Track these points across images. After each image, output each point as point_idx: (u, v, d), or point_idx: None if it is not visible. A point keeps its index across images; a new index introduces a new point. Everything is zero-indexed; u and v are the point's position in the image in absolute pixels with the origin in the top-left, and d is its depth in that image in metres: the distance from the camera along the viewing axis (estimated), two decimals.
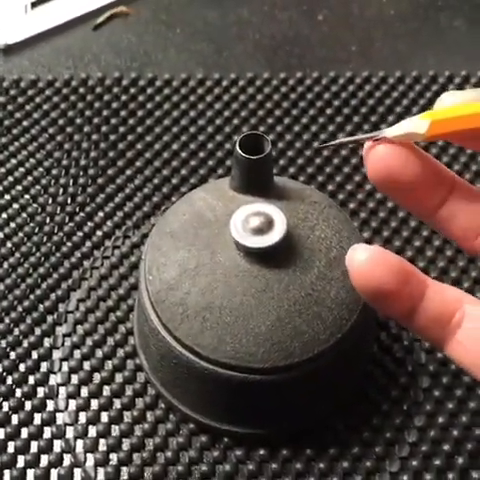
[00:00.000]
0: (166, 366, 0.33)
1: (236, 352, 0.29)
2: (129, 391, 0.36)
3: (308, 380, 0.32)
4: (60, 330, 0.38)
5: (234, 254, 0.30)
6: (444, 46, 0.50)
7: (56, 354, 0.37)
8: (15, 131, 0.45)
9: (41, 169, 0.43)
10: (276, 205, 0.31)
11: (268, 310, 0.29)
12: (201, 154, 0.44)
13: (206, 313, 0.29)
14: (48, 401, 0.36)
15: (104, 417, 0.35)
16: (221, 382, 0.30)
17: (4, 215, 0.41)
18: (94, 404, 0.35)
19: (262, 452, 0.34)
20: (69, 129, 0.45)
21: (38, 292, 0.39)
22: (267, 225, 0.30)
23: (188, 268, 0.30)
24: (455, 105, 0.22)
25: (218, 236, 0.31)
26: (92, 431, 0.35)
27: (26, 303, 0.38)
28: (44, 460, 0.34)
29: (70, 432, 0.35)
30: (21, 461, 0.34)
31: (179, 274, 0.31)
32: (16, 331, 0.37)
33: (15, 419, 0.35)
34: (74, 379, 0.36)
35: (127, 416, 0.35)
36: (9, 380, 0.36)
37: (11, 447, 0.34)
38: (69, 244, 0.40)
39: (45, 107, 0.46)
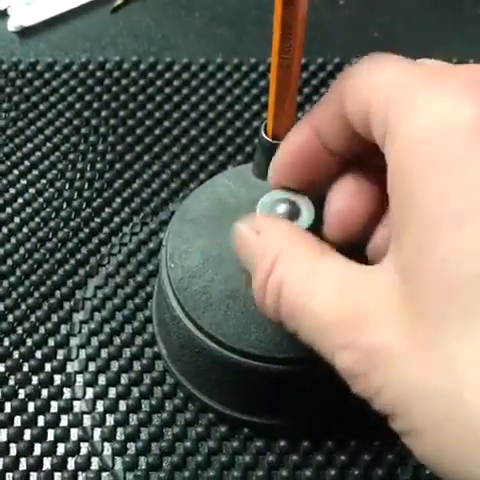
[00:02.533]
0: (187, 355, 0.32)
1: (260, 342, 0.29)
2: (147, 380, 0.35)
3: (331, 371, 0.31)
4: (77, 317, 0.37)
5: None
6: (467, 34, 0.49)
7: (73, 341, 0.36)
8: (31, 115, 0.44)
9: (58, 153, 0.42)
10: (301, 192, 0.30)
11: None
12: (220, 140, 0.43)
13: (230, 301, 0.29)
14: (65, 389, 0.35)
15: (122, 406, 0.35)
16: (244, 372, 0.30)
17: (20, 200, 0.41)
18: (112, 392, 0.35)
19: (282, 443, 0.34)
20: (86, 113, 0.44)
21: (55, 278, 0.38)
22: (293, 212, 0.29)
23: (211, 256, 0.30)
24: None
25: None
26: (110, 420, 0.34)
27: (43, 289, 0.38)
28: (61, 448, 0.34)
29: (87, 420, 0.34)
30: (38, 449, 0.33)
31: (202, 262, 0.30)
32: (33, 317, 0.37)
33: (31, 407, 0.34)
34: (91, 367, 0.36)
35: (145, 405, 0.35)
36: (25, 367, 0.35)
37: (27, 435, 0.34)
38: (86, 230, 0.40)
39: (62, 91, 0.45)
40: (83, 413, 0.34)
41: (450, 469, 0.17)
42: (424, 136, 0.19)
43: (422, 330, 0.18)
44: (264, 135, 0.31)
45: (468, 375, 0.17)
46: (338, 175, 0.25)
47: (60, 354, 0.36)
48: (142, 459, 0.33)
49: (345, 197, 0.24)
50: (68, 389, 0.35)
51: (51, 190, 0.41)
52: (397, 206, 0.19)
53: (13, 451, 0.33)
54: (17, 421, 0.34)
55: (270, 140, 0.31)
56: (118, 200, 0.41)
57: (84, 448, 0.34)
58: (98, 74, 0.46)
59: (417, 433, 0.18)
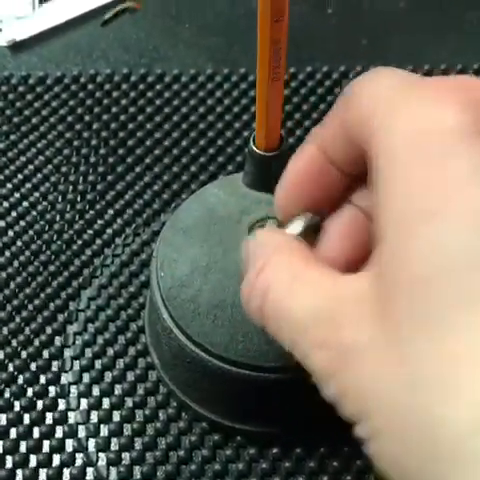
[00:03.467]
0: (178, 364, 0.33)
1: (248, 350, 0.29)
2: (141, 390, 0.36)
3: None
4: (71, 328, 0.37)
5: None
6: (456, 39, 0.50)
7: (67, 353, 0.37)
8: (24, 128, 0.45)
9: (50, 166, 0.43)
10: None
11: None
12: (211, 150, 0.44)
13: (218, 311, 0.29)
14: (60, 400, 0.35)
15: (116, 416, 0.35)
16: (233, 381, 0.30)
17: (14, 213, 0.41)
18: (106, 403, 0.35)
19: (275, 451, 0.34)
20: (78, 126, 0.45)
21: (48, 290, 0.38)
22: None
23: (200, 265, 0.30)
24: None
25: (231, 233, 0.31)
26: (104, 430, 0.35)
27: (37, 302, 0.38)
28: (56, 460, 0.34)
29: (82, 431, 0.35)
30: (33, 461, 0.34)
31: (191, 271, 0.30)
32: (27, 330, 0.37)
33: (27, 418, 0.35)
34: (85, 378, 0.36)
35: (139, 415, 0.35)
36: (20, 379, 0.36)
37: (23, 447, 0.34)
38: (79, 242, 0.40)
39: (54, 104, 0.46)
40: (78, 424, 0.35)
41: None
42: (402, 140, 0.19)
43: (390, 330, 0.18)
44: (253, 146, 0.31)
45: (426, 377, 0.17)
46: (346, 193, 0.25)
47: (54, 366, 0.36)
48: (137, 469, 0.34)
49: (340, 234, 0.24)
50: (63, 400, 0.35)
51: (44, 203, 0.41)
52: (376, 212, 0.20)
53: (9, 463, 0.34)
54: (13, 433, 0.34)
55: (258, 151, 0.31)
56: (110, 212, 0.41)
57: (79, 459, 0.34)
58: (89, 87, 0.46)
59: (377, 437, 0.18)
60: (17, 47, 0.49)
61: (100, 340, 0.37)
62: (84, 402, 0.35)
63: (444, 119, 0.19)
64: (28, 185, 0.42)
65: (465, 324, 0.17)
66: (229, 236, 0.31)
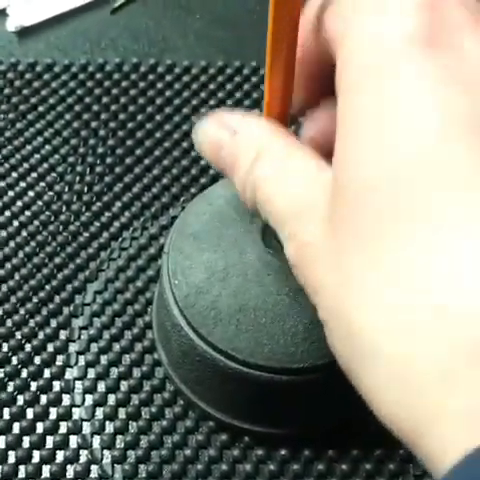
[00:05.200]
0: (188, 363, 0.32)
1: (274, 353, 0.28)
2: (147, 387, 0.35)
3: (335, 380, 0.31)
4: (77, 322, 0.37)
5: (264, 252, 0.29)
6: None
7: (72, 347, 0.36)
8: (30, 116, 0.44)
9: (57, 156, 0.42)
10: None
11: (304, 308, 0.28)
12: None
13: (240, 315, 0.28)
14: (64, 395, 0.35)
15: (122, 413, 0.34)
16: (251, 383, 0.29)
17: (19, 203, 0.40)
18: (111, 399, 0.35)
19: (283, 452, 0.33)
20: (86, 116, 0.44)
21: (54, 283, 0.38)
22: None
23: (217, 270, 0.29)
24: None
25: (244, 234, 0.30)
26: (109, 427, 0.34)
27: (42, 294, 0.37)
28: (60, 456, 0.33)
29: (87, 428, 0.34)
30: (36, 456, 0.33)
31: (207, 277, 0.29)
32: (32, 323, 0.36)
33: (30, 413, 0.34)
34: (91, 373, 0.35)
35: (145, 412, 0.34)
36: (24, 373, 0.35)
37: (26, 442, 0.33)
38: (86, 234, 0.39)
39: (61, 92, 0.45)
40: (82, 420, 0.34)
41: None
42: (359, 46, 0.19)
43: (333, 237, 0.19)
44: None
45: (352, 285, 0.18)
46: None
47: (59, 360, 0.36)
48: (142, 467, 0.33)
49: (319, 127, 0.25)
50: (67, 396, 0.35)
51: (50, 193, 0.41)
52: (338, 120, 0.20)
53: (12, 458, 0.33)
54: (16, 428, 0.34)
55: None
56: (118, 204, 0.40)
57: (83, 456, 0.33)
58: (98, 76, 0.45)
59: (325, 327, 0.20)
60: (24, 33, 0.48)
61: (106, 335, 0.36)
62: (89, 398, 0.35)
63: (394, 26, 0.19)
64: (34, 174, 0.41)
65: (394, 238, 0.18)
66: (243, 238, 0.30)
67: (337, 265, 0.19)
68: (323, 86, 0.24)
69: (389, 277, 0.18)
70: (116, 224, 0.40)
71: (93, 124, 0.43)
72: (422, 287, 0.17)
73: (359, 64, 0.19)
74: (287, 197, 0.22)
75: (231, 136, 0.24)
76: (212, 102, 0.45)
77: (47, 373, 0.35)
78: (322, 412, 0.33)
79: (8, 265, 0.38)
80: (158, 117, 0.44)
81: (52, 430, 0.34)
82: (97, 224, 0.40)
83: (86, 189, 0.41)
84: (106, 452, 0.33)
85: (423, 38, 0.18)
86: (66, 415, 0.34)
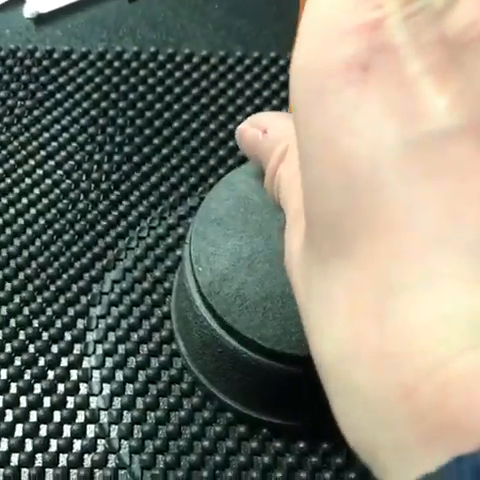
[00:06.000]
0: (208, 354, 0.32)
1: (302, 341, 0.28)
2: (165, 377, 0.35)
3: None
4: (94, 311, 0.36)
5: None
6: None
7: (90, 336, 0.36)
8: (47, 104, 0.43)
9: (75, 144, 0.42)
10: None
11: None
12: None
13: (267, 303, 0.28)
14: (81, 384, 0.35)
15: (139, 403, 0.34)
16: (275, 375, 0.29)
17: (36, 190, 0.40)
18: (129, 389, 0.34)
19: (302, 445, 0.33)
20: (104, 104, 0.43)
21: (72, 272, 0.37)
22: None
23: (242, 257, 0.29)
24: None
25: (270, 220, 0.30)
26: (127, 417, 0.34)
27: (59, 283, 0.37)
28: (77, 445, 0.33)
29: (104, 417, 0.34)
30: (54, 445, 0.33)
31: (233, 263, 0.29)
32: (49, 311, 0.36)
33: (47, 402, 0.34)
34: (108, 362, 0.35)
35: (163, 403, 0.34)
36: (42, 361, 0.35)
37: (43, 430, 0.33)
38: (104, 223, 0.39)
39: (79, 80, 0.44)
40: (100, 409, 0.34)
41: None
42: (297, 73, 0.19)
43: (307, 246, 0.20)
44: None
45: (314, 298, 0.19)
46: None
47: (77, 349, 0.35)
48: (160, 457, 0.33)
49: None
50: (85, 385, 0.35)
51: (68, 181, 0.40)
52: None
53: (29, 447, 0.33)
54: (33, 416, 0.34)
55: None
56: (136, 193, 0.40)
57: (101, 445, 0.33)
58: (116, 64, 0.45)
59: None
60: (41, 20, 0.47)
61: (124, 324, 0.36)
62: (107, 387, 0.34)
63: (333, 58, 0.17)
64: (51, 162, 0.41)
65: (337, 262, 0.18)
66: (269, 224, 0.30)
67: (306, 276, 0.20)
68: None
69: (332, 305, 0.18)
70: (134, 213, 0.39)
71: (111, 112, 0.43)
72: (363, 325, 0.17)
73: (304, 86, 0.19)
74: (294, 202, 0.22)
75: (262, 134, 0.26)
76: (230, 92, 0.44)
77: (64, 362, 0.35)
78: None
79: (25, 253, 0.38)
80: (176, 106, 0.44)
81: (69, 419, 0.34)
82: (115, 213, 0.39)
83: (104, 178, 0.41)
84: (124, 442, 0.33)
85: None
86: (83, 404, 0.34)
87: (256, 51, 0.46)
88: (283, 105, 0.44)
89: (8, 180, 0.40)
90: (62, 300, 0.37)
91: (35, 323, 0.36)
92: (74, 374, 0.35)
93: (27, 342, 0.35)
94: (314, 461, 0.33)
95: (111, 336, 0.36)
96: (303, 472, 0.33)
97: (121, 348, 0.35)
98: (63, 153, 0.41)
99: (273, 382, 0.31)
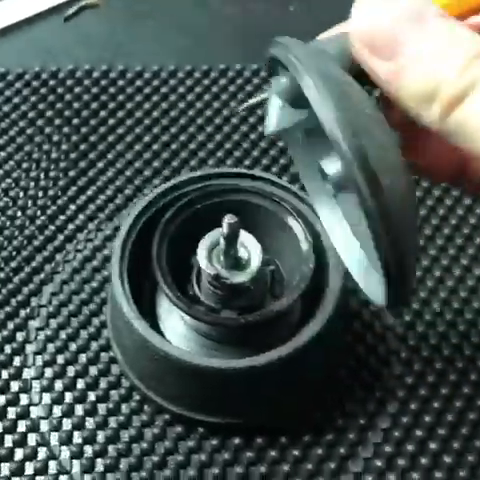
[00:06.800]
0: (141, 359, 0.33)
1: None
2: (103, 383, 0.36)
3: (287, 368, 0.32)
4: (33, 324, 0.37)
5: None
6: None
7: (29, 348, 0.37)
8: None
9: (12, 162, 0.43)
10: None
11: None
12: (173, 146, 0.44)
13: None
14: (22, 395, 0.35)
15: (79, 410, 0.35)
16: (200, 373, 0.30)
17: None
18: (68, 397, 0.35)
19: (237, 441, 0.34)
20: (40, 122, 0.45)
21: (10, 286, 0.38)
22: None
23: None
24: None
25: None
26: (67, 424, 0.35)
27: None
28: (19, 454, 0.34)
29: (44, 425, 0.35)
30: None
31: None
32: None
33: None
34: (48, 373, 0.36)
35: (102, 408, 0.35)
36: None
37: None
38: (41, 237, 0.40)
39: (15, 100, 0.45)
40: (40, 418, 0.35)
41: None
42: None
43: None
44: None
45: None
46: None
47: (16, 361, 0.36)
48: (99, 461, 0.34)
49: None
50: (25, 395, 0.35)
51: (5, 199, 0.41)
52: None
53: None
54: None
55: None
56: (72, 207, 0.41)
57: (42, 453, 0.34)
58: (51, 83, 0.46)
59: None
60: None
61: (62, 335, 0.37)
62: (47, 396, 0.35)
63: None
64: None
65: None
66: None
67: None
68: None
69: None
70: (71, 227, 0.41)
71: (47, 130, 0.44)
72: None
73: None
74: None
75: (419, 25, 0.21)
76: (164, 105, 0.46)
77: (5, 374, 0.36)
78: (270, 401, 0.34)
79: None
80: (111, 121, 0.45)
81: (11, 429, 0.34)
82: (52, 227, 0.40)
83: (41, 193, 0.42)
84: (64, 448, 0.34)
85: None
86: (24, 414, 0.35)
87: (189, 64, 0.48)
88: (215, 115, 0.45)
89: None
90: (1, 314, 0.37)
91: None
92: (15, 385, 0.36)
93: None
94: (249, 456, 0.34)
95: (50, 347, 0.37)
96: (239, 467, 0.34)
97: (60, 358, 0.36)
98: (0, 171, 0.42)
99: (205, 382, 0.32)
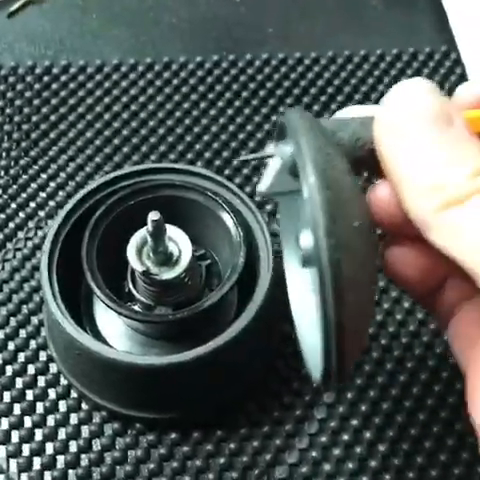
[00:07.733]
0: (71, 357, 0.33)
1: None
2: (41, 382, 0.36)
3: (217, 362, 0.32)
4: None
5: None
6: (360, 25, 0.51)
7: None
8: None
9: None
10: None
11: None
12: (116, 141, 0.44)
13: None
14: None
15: (16, 409, 0.35)
16: (126, 370, 0.31)
17: None
18: (6, 396, 0.35)
19: (173, 436, 0.35)
20: None
21: None
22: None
23: None
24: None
25: None
26: (4, 423, 0.35)
27: None
28: None
29: None
30: None
31: None
32: None
33: None
34: None
35: (39, 407, 0.35)
36: None
37: None
38: None
39: None
40: None
41: None
42: None
43: None
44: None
45: None
46: None
47: None
48: (36, 459, 0.34)
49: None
50: None
51: None
52: None
53: None
54: None
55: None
56: (13, 205, 0.41)
57: None
58: None
59: None
60: None
61: (1, 335, 0.37)
62: None
63: None
64: None
65: None
66: None
67: None
68: None
69: None
70: (11, 225, 0.40)
71: None
72: None
73: None
74: None
75: (446, 126, 0.22)
76: (107, 100, 0.46)
77: None
78: (202, 395, 0.34)
79: None
80: (52, 117, 0.45)
81: None
82: None
83: None
84: (1, 447, 0.34)
85: None
86: None
87: (132, 58, 0.47)
88: (158, 109, 0.45)
89: None
90: None
91: None
92: None
93: None
94: (185, 450, 0.34)
95: None
96: (175, 462, 0.34)
97: None
98: None
99: (135, 378, 0.32)
